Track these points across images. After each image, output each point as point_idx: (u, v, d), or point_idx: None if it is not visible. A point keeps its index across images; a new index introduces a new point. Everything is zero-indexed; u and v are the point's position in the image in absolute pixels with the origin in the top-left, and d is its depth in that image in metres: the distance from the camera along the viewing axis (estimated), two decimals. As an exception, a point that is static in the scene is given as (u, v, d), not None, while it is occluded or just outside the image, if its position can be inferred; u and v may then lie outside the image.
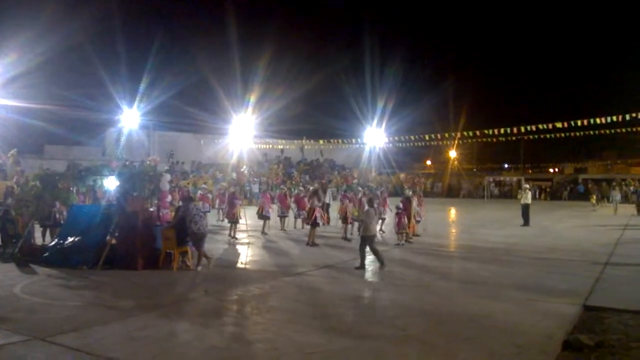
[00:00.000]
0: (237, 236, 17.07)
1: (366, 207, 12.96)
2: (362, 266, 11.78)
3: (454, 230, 21.67)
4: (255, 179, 37.36)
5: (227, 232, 17.45)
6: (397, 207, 16.14)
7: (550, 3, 78.19)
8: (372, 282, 10.73)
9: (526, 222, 21.74)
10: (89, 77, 37.34)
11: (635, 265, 12.34)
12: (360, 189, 22.86)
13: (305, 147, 50.57)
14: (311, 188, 18.57)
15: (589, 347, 6.41)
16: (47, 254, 12.41)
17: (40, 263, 12.00)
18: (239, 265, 12.69)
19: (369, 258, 12.08)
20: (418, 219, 17.90)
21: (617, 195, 30.46)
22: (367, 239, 11.99)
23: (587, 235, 18.83)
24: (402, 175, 48.71)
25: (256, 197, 19.36)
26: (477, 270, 11.79)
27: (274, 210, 19.70)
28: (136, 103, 36.74)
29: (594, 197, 35.39)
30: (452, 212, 31.75)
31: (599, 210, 32.07)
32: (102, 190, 15.54)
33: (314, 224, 15.96)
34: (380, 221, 18.14)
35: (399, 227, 15.82)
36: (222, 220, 22.10)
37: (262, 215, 18.76)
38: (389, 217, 18.82)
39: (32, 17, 31.72)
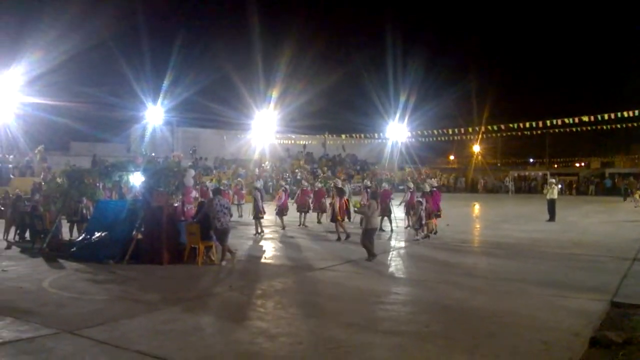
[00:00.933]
0: (260, 231, 17.13)
1: (367, 201, 13.08)
2: (373, 256, 12.05)
3: (477, 226, 21.50)
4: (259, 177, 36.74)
5: (250, 227, 17.53)
6: (419, 202, 16.00)
7: (577, -5, 76.93)
8: (395, 278, 10.69)
9: (552, 217, 21.46)
10: (113, 74, 37.96)
11: (664, 261, 12.11)
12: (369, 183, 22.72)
13: (328, 142, 50.54)
14: (336, 184, 18.46)
15: (617, 344, 6.32)
16: (74, 248, 12.62)
17: (68, 258, 12.21)
18: (262, 260, 12.76)
19: (390, 253, 12.03)
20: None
21: None
22: (368, 232, 12.19)
23: (614, 230, 18.53)
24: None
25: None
26: (501, 266, 11.69)
27: (292, 206, 19.73)
28: (160, 100, 37.13)
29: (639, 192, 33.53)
30: (476, 208, 31.49)
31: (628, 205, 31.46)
32: (127, 185, 15.71)
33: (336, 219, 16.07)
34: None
35: (418, 222, 15.72)
36: (241, 216, 22.23)
37: (280, 211, 18.81)
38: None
39: (56, 16, 32.24)
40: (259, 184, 21.25)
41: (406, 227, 18.25)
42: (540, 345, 6.32)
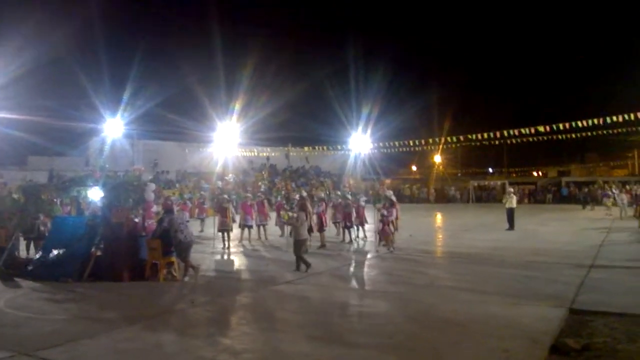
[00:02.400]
0: (227, 245, 17.01)
1: (297, 213, 13.44)
2: (306, 266, 12.29)
3: (440, 236, 21.76)
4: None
5: (212, 242, 17.36)
6: (382, 215, 16.12)
7: (532, 10, 79.07)
8: (359, 290, 10.73)
9: (511, 226, 21.87)
10: (72, 87, 37.04)
11: (619, 268, 12.47)
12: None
13: (291, 154, 50.58)
14: (300, 196, 18.46)
15: (576, 350, 6.47)
16: (31, 267, 12.27)
17: (25, 276, 11.85)
18: (226, 274, 12.64)
19: (353, 264, 12.10)
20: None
21: (624, 198, 29.38)
22: (297, 243, 12.49)
23: (571, 238, 19.00)
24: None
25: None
26: (463, 275, 11.85)
27: (254, 219, 19.60)
28: (120, 112, 36.52)
29: (611, 201, 33.80)
30: (438, 217, 31.89)
31: (589, 213, 32.32)
32: (86, 201, 15.40)
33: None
34: (358, 227, 18.28)
35: (384, 234, 15.82)
36: (202, 230, 21.96)
37: (244, 225, 18.73)
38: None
39: (13, 28, 31.42)
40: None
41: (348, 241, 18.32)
42: (501, 353, 6.42)
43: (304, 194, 19.80)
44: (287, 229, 17.90)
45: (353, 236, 18.28)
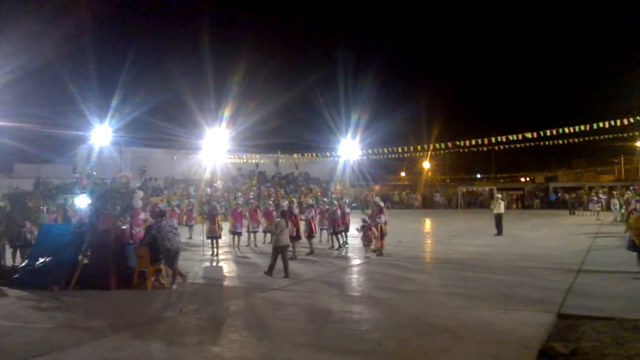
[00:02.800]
0: (216, 252, 16.96)
1: (278, 220, 13.53)
2: (270, 272, 12.44)
3: (428, 242, 21.79)
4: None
5: (200, 249, 17.30)
6: (364, 220, 16.20)
7: (520, 16, 79.87)
8: (348, 297, 10.70)
9: (499, 231, 21.98)
10: (60, 94, 36.93)
11: (606, 272, 12.54)
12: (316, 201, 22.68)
13: (280, 160, 50.51)
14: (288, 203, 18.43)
15: (564, 355, 6.49)
16: (17, 275, 12.14)
17: (11, 285, 11.73)
18: (214, 282, 12.57)
19: (341, 270, 12.07)
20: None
21: (617, 203, 29.36)
22: (277, 250, 12.59)
23: (559, 243, 19.10)
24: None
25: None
26: (452, 281, 11.87)
27: (244, 226, 19.57)
28: (107, 119, 36.34)
29: (598, 206, 33.78)
30: (427, 223, 31.96)
31: (576, 218, 32.55)
32: (73, 208, 15.25)
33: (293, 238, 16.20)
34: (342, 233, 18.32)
35: (366, 239, 15.97)
36: (190, 237, 21.86)
37: (233, 232, 18.71)
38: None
39: (1, 36, 31.23)
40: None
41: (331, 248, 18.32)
42: (490, 359, 6.43)
43: (294, 201, 19.78)
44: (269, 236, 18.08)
45: (341, 242, 18.28)
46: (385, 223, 16.65)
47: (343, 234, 18.40)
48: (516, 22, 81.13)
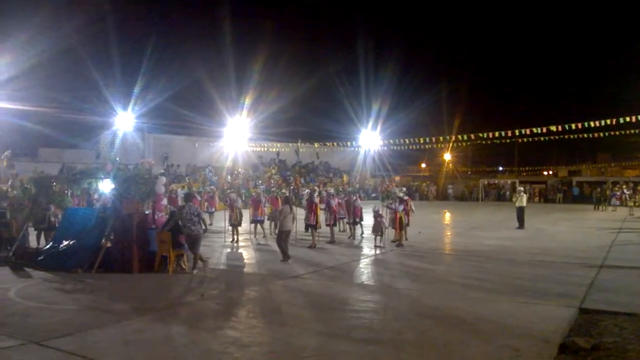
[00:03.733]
0: (236, 239, 17.08)
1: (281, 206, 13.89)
2: (287, 258, 12.97)
3: (448, 233, 21.69)
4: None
5: (222, 235, 17.43)
6: (374, 211, 16.20)
7: (547, 8, 78.57)
8: (367, 286, 10.71)
9: (521, 225, 21.80)
10: (84, 79, 37.24)
11: (629, 268, 12.39)
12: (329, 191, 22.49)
13: (301, 150, 50.52)
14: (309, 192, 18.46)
15: (586, 350, 6.43)
16: (41, 257, 12.36)
17: (35, 266, 11.95)
18: (235, 268, 12.67)
19: (361, 260, 12.08)
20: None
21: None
22: (281, 234, 13.19)
23: (581, 237, 18.89)
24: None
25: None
26: (472, 273, 11.82)
27: (265, 214, 19.63)
28: (131, 105, 36.65)
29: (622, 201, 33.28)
30: (447, 215, 31.80)
31: (599, 214, 32.07)
32: (98, 192, 15.45)
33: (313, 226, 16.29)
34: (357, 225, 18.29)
35: (377, 229, 16.02)
36: (211, 224, 21.99)
37: (254, 220, 18.77)
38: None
39: (25, 20, 31.59)
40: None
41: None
42: (510, 352, 6.39)
43: (316, 189, 19.85)
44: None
45: (359, 232, 18.30)
46: (407, 213, 16.64)
47: (359, 224, 18.44)
48: (543, 10, 79.79)
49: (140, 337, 6.97)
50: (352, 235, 18.19)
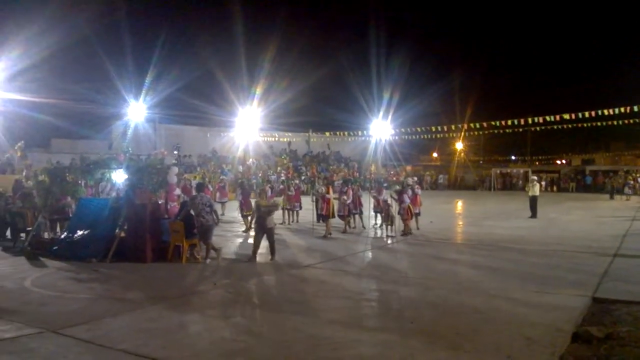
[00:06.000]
0: (249, 228, 17.15)
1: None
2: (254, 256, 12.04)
3: (460, 223, 21.64)
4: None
5: (234, 225, 17.50)
6: (384, 201, 16.32)
7: (558, -6, 77.61)
8: (378, 275, 10.72)
9: (534, 214, 21.69)
10: (95, 70, 37.56)
11: (643, 257, 12.29)
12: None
13: (312, 139, 50.51)
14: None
15: (599, 339, 6.40)
16: (56, 247, 12.49)
17: (50, 256, 12.08)
18: (247, 258, 12.69)
19: (372, 249, 12.06)
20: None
21: None
22: (271, 230, 12.18)
23: (595, 227, 18.76)
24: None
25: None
26: (484, 263, 11.79)
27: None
28: (142, 96, 36.79)
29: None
30: (459, 205, 31.70)
31: (613, 202, 31.71)
32: (110, 182, 15.55)
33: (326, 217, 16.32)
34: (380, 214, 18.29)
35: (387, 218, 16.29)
36: (223, 214, 22.07)
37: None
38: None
39: (37, 11, 31.80)
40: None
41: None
42: (523, 341, 6.38)
43: (327, 178, 19.85)
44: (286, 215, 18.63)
45: (371, 223, 18.28)
46: (412, 203, 16.66)
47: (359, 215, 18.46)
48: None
49: (153, 325, 7.04)
50: (363, 226, 18.15)
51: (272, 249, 12.00)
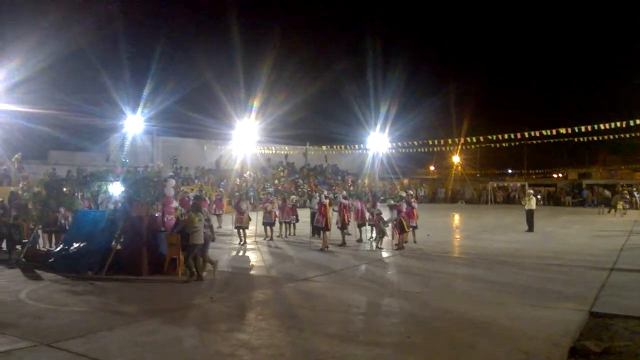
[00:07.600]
0: (243, 242, 17.14)
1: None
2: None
3: (457, 236, 21.61)
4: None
5: (231, 238, 17.47)
6: (377, 214, 16.45)
7: (554, 9, 78.21)
8: (376, 289, 10.70)
9: (530, 227, 21.68)
10: (93, 82, 37.43)
11: (640, 272, 12.29)
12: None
13: (309, 152, 50.56)
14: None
15: (596, 353, 6.39)
16: (52, 259, 12.45)
17: (46, 269, 12.04)
18: (244, 271, 12.69)
19: (370, 263, 12.02)
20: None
21: None
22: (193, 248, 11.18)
23: (591, 241, 18.76)
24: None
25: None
26: (481, 276, 11.77)
27: (275, 217, 19.62)
28: (140, 108, 36.82)
29: (620, 203, 32.82)
30: (456, 218, 31.71)
31: (609, 217, 31.62)
32: (106, 195, 15.54)
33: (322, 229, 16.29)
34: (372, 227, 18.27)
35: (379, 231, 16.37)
36: (220, 226, 22.02)
37: (265, 223, 18.76)
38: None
39: (35, 23, 31.81)
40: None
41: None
42: (520, 355, 6.37)
43: (324, 191, 19.79)
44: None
45: (368, 236, 18.26)
46: (409, 216, 16.71)
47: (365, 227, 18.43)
48: (553, 12, 79.48)
49: (149, 339, 7.00)
50: (360, 238, 18.11)
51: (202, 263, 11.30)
